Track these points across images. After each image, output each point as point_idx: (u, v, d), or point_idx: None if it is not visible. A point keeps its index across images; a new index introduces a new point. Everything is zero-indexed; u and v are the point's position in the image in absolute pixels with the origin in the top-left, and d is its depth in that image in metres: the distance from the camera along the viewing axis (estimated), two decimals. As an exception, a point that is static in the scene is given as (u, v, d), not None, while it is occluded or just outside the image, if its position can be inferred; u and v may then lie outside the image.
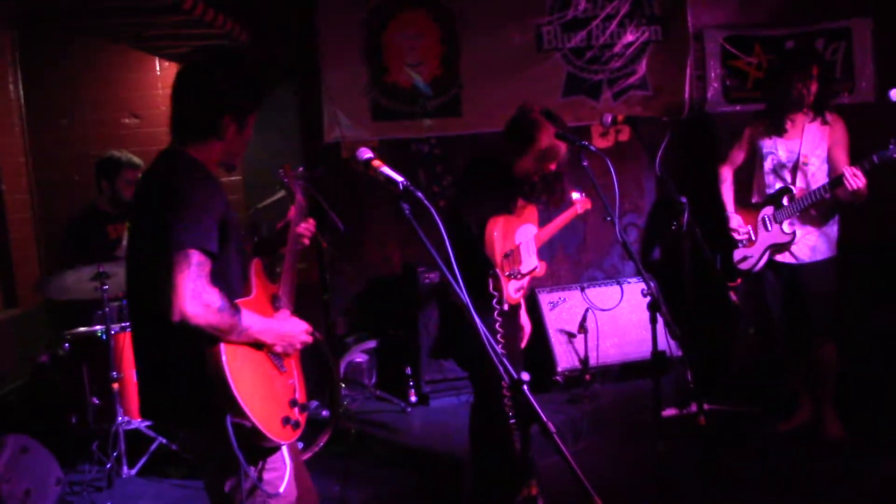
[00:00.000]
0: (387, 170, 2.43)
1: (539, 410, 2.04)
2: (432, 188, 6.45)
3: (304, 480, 2.92)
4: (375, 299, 6.61)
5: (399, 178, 2.39)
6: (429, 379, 6.05)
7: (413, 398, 6.06)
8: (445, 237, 2.36)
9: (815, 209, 4.58)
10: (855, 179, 4.25)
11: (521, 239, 3.97)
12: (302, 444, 4.86)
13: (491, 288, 3.76)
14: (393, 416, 5.89)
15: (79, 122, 6.67)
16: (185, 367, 2.41)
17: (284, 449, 2.57)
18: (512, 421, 3.47)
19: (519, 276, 3.89)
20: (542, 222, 4.24)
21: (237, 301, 2.47)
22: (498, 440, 3.79)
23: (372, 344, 6.32)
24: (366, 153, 2.52)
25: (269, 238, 3.11)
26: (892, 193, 4.92)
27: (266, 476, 2.55)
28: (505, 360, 2.13)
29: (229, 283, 2.54)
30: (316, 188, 4.56)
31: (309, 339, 2.70)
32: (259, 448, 2.50)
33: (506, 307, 3.82)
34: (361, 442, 5.29)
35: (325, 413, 5.50)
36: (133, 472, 4.79)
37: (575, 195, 4.39)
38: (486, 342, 2.13)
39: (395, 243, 6.60)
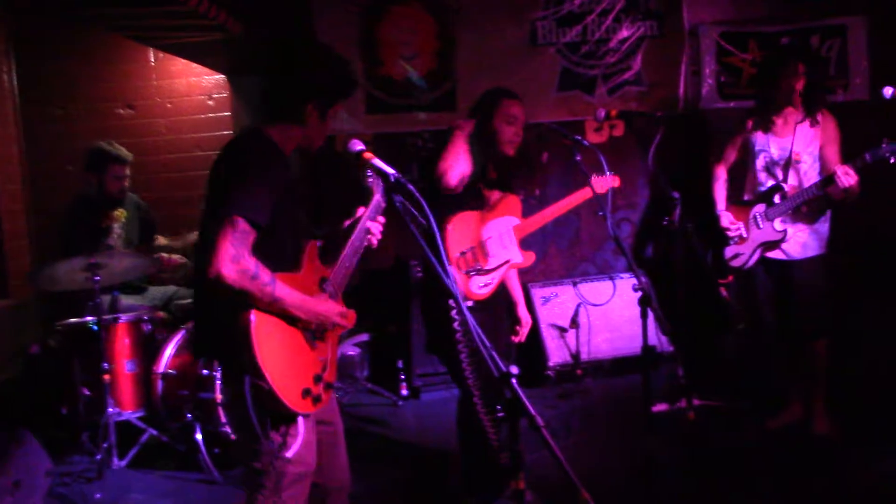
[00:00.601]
0: (378, 162, 2.44)
1: (528, 404, 2.05)
2: (425, 182, 6.43)
3: (341, 461, 3.10)
4: (368, 293, 6.60)
5: (390, 171, 2.40)
6: (420, 372, 6.05)
7: (404, 392, 6.07)
8: (436, 230, 2.37)
9: (807, 207, 4.59)
10: (847, 178, 4.25)
11: (490, 233, 3.94)
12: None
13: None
14: (384, 410, 5.89)
15: (73, 113, 6.67)
16: (223, 323, 2.56)
17: (301, 419, 2.66)
18: (500, 415, 3.47)
19: (483, 273, 3.86)
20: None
21: (281, 274, 2.60)
22: (480, 435, 3.80)
23: (364, 337, 6.32)
24: (357, 145, 2.52)
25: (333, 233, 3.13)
26: (882, 192, 4.93)
27: (289, 441, 2.65)
28: (493, 353, 2.13)
29: (277, 256, 2.66)
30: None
31: (342, 322, 2.80)
32: (277, 413, 2.59)
33: (470, 303, 3.81)
34: (353, 435, 5.28)
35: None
36: (123, 463, 4.78)
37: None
38: (476, 336, 2.13)
39: (390, 237, 6.57)
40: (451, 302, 3.72)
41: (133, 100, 6.82)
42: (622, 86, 6.58)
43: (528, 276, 6.56)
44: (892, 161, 4.18)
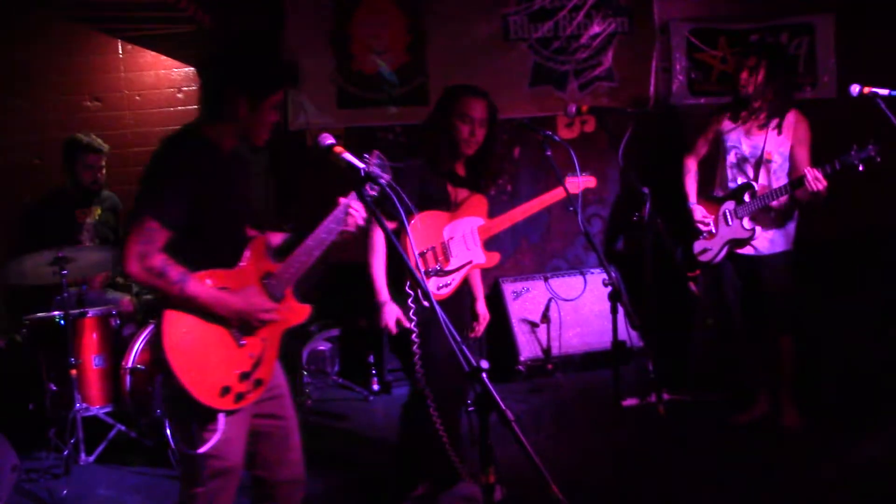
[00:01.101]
0: (348, 156, 2.43)
1: (498, 399, 2.05)
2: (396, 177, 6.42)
3: (290, 455, 3.00)
4: (339, 287, 6.58)
5: (360, 165, 2.39)
6: (391, 368, 6.04)
7: (375, 387, 6.06)
8: (406, 224, 2.36)
9: (775, 206, 4.63)
10: (816, 182, 4.29)
11: (453, 234, 3.90)
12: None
13: (407, 287, 3.73)
14: (355, 405, 5.88)
15: (39, 105, 6.58)
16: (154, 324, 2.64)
17: (221, 416, 2.65)
18: (471, 409, 3.48)
19: (442, 274, 3.82)
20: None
21: (209, 271, 2.64)
22: (425, 436, 3.79)
23: (335, 332, 6.30)
24: (328, 139, 2.51)
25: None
26: (847, 193, 5.00)
27: (204, 435, 2.66)
28: (464, 348, 2.13)
29: (206, 253, 2.68)
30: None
31: (268, 317, 2.74)
32: (195, 409, 2.60)
33: (426, 304, 3.78)
34: (323, 430, 5.27)
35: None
36: (91, 459, 4.73)
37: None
38: (447, 331, 2.13)
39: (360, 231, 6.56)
40: (409, 301, 3.70)
41: (100, 92, 6.74)
42: (593, 81, 6.60)
43: (499, 272, 6.57)
44: (860, 168, 4.23)
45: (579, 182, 3.92)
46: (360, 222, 2.93)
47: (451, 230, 3.91)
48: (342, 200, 2.89)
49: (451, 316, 3.82)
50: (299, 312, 2.97)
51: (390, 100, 6.44)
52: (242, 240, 2.82)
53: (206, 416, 2.65)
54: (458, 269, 3.91)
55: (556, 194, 4.00)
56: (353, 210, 2.88)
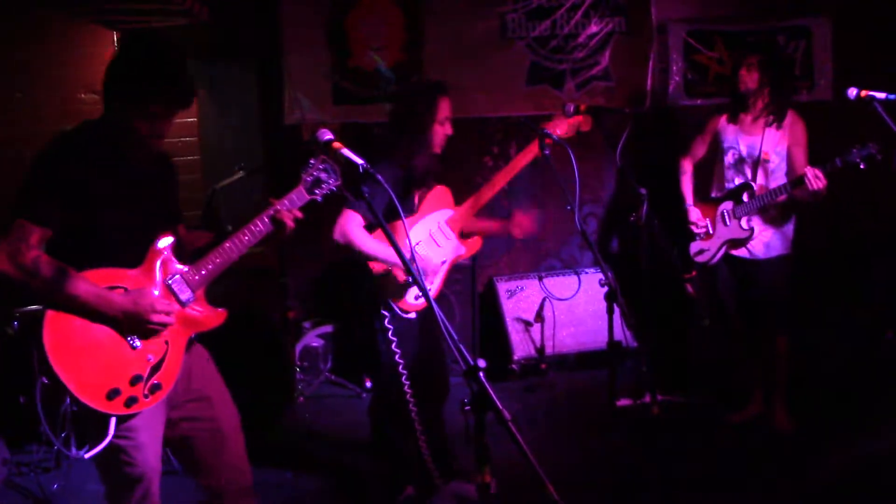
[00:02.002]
0: (347, 152, 2.41)
1: (495, 398, 2.04)
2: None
3: (229, 456, 2.94)
4: (332, 284, 6.57)
5: (359, 161, 2.37)
6: (384, 365, 6.02)
7: (368, 384, 6.04)
8: (404, 220, 2.35)
9: (774, 207, 4.63)
10: (816, 181, 4.29)
11: (419, 237, 3.82)
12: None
13: (388, 296, 3.69)
14: (348, 402, 5.87)
15: (33, 99, 6.54)
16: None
17: (112, 420, 2.59)
18: (467, 408, 3.47)
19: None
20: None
21: (108, 269, 2.60)
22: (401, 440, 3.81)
23: (328, 328, 6.27)
24: (326, 135, 2.49)
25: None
26: (846, 195, 5.01)
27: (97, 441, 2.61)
28: (462, 347, 2.12)
29: (104, 250, 2.62)
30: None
31: (159, 319, 2.64)
32: (86, 412, 2.54)
33: (411, 316, 3.75)
34: (315, 427, 5.26)
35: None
36: (82, 453, 4.68)
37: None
38: (444, 328, 2.12)
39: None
40: (386, 322, 3.69)
41: (95, 85, 6.66)
42: (590, 81, 6.58)
43: (493, 270, 6.57)
44: (862, 167, 4.22)
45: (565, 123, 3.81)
46: (291, 224, 2.89)
47: (416, 234, 3.82)
48: (274, 203, 2.88)
49: (423, 331, 3.83)
50: (212, 317, 2.86)
51: (387, 97, 6.42)
52: (148, 239, 2.73)
53: (97, 420, 2.59)
54: (436, 269, 3.84)
55: (527, 154, 3.89)
56: (281, 216, 2.85)
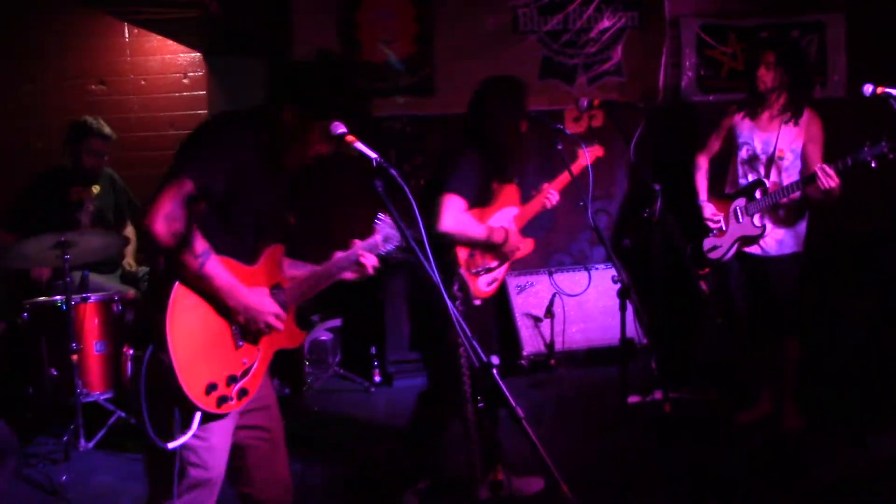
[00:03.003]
0: (360, 145, 2.39)
1: (508, 395, 2.02)
2: (403, 167, 6.40)
3: (278, 470, 2.89)
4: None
5: (373, 155, 2.35)
6: (393, 359, 6.02)
7: (377, 378, 6.03)
8: (418, 216, 2.33)
9: (786, 205, 4.60)
10: (827, 179, 4.24)
11: (509, 228, 3.94)
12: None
13: (456, 289, 3.71)
14: (356, 396, 5.86)
15: (43, 89, 6.54)
16: (149, 292, 2.53)
17: (198, 415, 2.47)
18: (480, 405, 3.46)
19: (490, 271, 3.85)
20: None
21: (229, 259, 2.52)
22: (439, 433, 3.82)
23: (337, 322, 6.27)
24: (339, 128, 2.47)
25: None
26: (859, 193, 4.96)
27: (180, 438, 2.48)
28: (475, 344, 2.10)
29: (230, 243, 2.55)
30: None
31: (275, 322, 2.62)
32: (176, 397, 2.43)
33: (476, 302, 3.81)
34: (324, 421, 5.25)
35: (287, 391, 5.46)
36: (91, 445, 4.71)
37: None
38: (458, 326, 2.10)
39: (363, 221, 6.53)
40: (458, 304, 3.70)
41: (105, 76, 6.70)
42: (602, 76, 6.57)
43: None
44: (873, 165, 4.18)
45: (587, 154, 3.93)
46: (370, 272, 2.95)
47: (492, 224, 3.92)
48: (357, 245, 2.97)
49: (487, 311, 3.88)
50: (295, 336, 2.85)
51: (398, 90, 6.41)
52: (264, 242, 2.70)
53: (184, 410, 2.47)
54: (501, 265, 3.95)
55: (580, 164, 4.03)
56: (364, 260, 2.91)
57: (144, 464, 2.62)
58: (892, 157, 4.14)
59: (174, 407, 2.46)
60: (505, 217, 4.01)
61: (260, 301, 2.58)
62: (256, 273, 2.65)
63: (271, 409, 2.88)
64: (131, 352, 2.42)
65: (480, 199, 3.82)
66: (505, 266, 3.99)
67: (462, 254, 3.78)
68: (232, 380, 2.56)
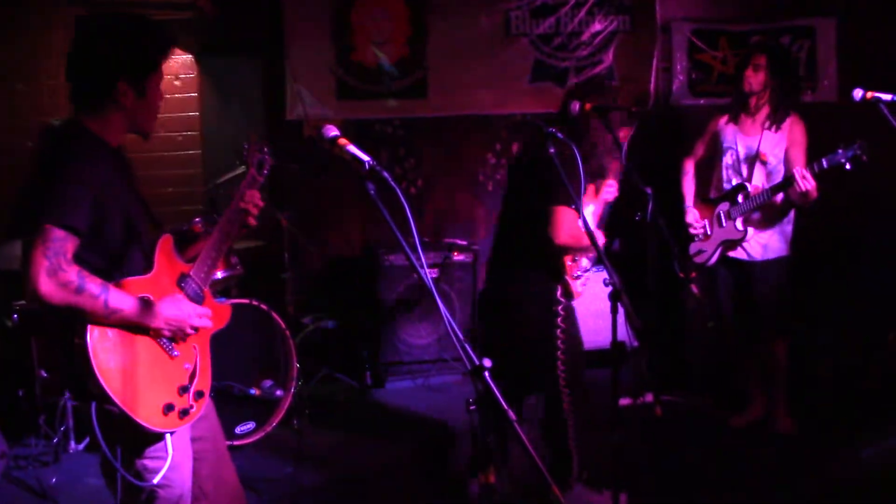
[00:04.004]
0: (353, 148, 2.38)
1: (500, 398, 2.02)
2: (394, 170, 6.40)
3: (226, 478, 2.83)
4: (334, 280, 6.56)
5: (365, 158, 2.34)
6: (385, 362, 6.01)
7: (369, 380, 6.02)
8: (411, 219, 2.32)
9: (771, 208, 4.61)
10: (804, 181, 4.27)
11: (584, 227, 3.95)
12: (254, 424, 4.81)
13: (559, 294, 3.75)
14: (348, 398, 5.85)
15: (36, 89, 6.51)
16: (64, 348, 2.35)
17: (168, 437, 2.43)
18: (472, 407, 3.45)
19: (583, 273, 3.90)
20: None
21: (128, 279, 2.40)
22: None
23: (329, 324, 6.25)
24: (332, 131, 2.46)
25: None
26: (845, 193, 4.99)
27: (149, 465, 2.45)
28: (467, 346, 2.10)
29: (115, 259, 2.44)
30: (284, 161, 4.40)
31: (202, 323, 2.56)
32: (139, 435, 2.39)
33: (573, 304, 3.89)
34: (315, 423, 5.24)
35: (278, 392, 5.44)
36: (80, 447, 4.70)
37: None
38: (449, 326, 2.10)
39: (357, 225, 6.55)
40: (559, 308, 3.73)
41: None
42: (594, 79, 6.57)
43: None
44: (848, 167, 4.20)
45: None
46: (259, 206, 2.79)
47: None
48: (242, 186, 2.80)
49: (575, 321, 3.91)
50: (222, 314, 2.76)
51: (390, 93, 6.41)
52: (148, 242, 2.56)
53: (152, 441, 2.43)
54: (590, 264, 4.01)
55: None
56: (253, 197, 2.77)
57: (112, 493, 2.54)
58: (865, 159, 4.16)
59: (141, 442, 2.42)
60: (590, 215, 4.03)
61: (177, 308, 2.48)
62: (158, 277, 2.53)
63: (210, 417, 2.79)
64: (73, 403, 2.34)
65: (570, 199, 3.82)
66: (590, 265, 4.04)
67: (568, 261, 3.82)
68: (184, 389, 2.50)
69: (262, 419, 4.87)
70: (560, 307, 3.78)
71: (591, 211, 4.06)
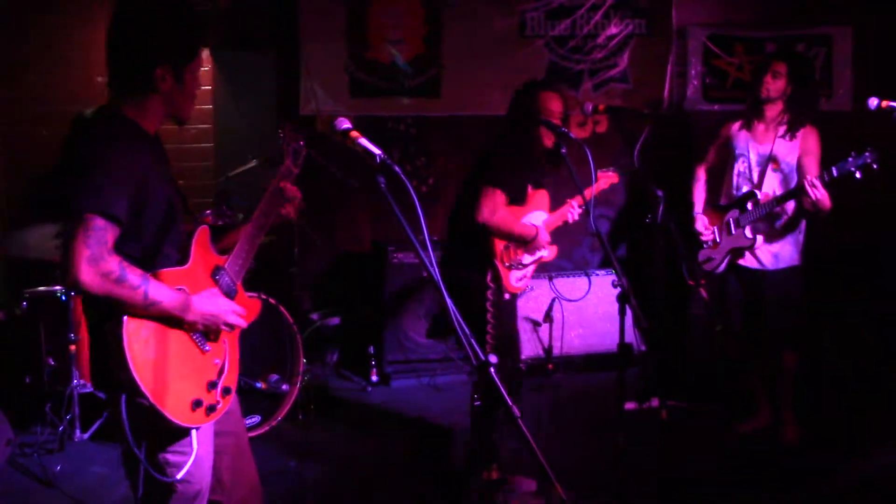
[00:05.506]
0: (365, 142, 2.38)
1: (505, 395, 2.02)
2: (405, 167, 6.41)
3: (245, 472, 2.83)
4: (342, 276, 6.56)
5: (377, 151, 2.33)
6: (391, 359, 6.01)
7: (374, 378, 6.02)
8: (421, 216, 2.32)
9: (781, 216, 4.59)
10: (814, 190, 4.24)
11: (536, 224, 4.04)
12: (259, 418, 4.82)
13: (489, 279, 3.80)
14: (353, 395, 5.85)
15: (49, 79, 6.53)
16: (98, 338, 2.35)
17: (193, 433, 2.42)
18: (477, 404, 3.48)
19: (521, 267, 3.90)
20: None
21: (164, 270, 2.38)
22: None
23: (336, 321, 6.26)
24: (344, 123, 2.46)
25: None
26: (855, 204, 4.96)
27: (171, 459, 2.43)
28: (473, 342, 2.10)
29: (152, 250, 2.42)
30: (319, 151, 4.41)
31: (237, 321, 2.55)
32: (165, 430, 2.37)
33: (506, 296, 3.93)
34: (320, 419, 5.24)
35: (284, 387, 5.44)
36: (86, 436, 4.71)
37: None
38: (455, 322, 2.10)
39: (366, 221, 6.56)
40: (488, 293, 3.78)
41: (113, 68, 6.70)
42: (608, 82, 6.57)
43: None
44: (858, 176, 4.17)
45: (606, 176, 4.26)
46: (296, 198, 2.79)
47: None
48: (277, 177, 2.78)
49: (512, 313, 3.94)
50: (253, 308, 2.74)
51: (403, 90, 6.41)
52: (185, 233, 2.54)
53: (178, 437, 2.41)
54: (532, 263, 4.09)
55: (608, 178, 4.33)
56: (287, 188, 2.76)
57: (131, 485, 2.51)
58: (876, 167, 4.14)
59: (167, 436, 2.41)
60: (535, 220, 4.10)
61: (213, 304, 2.47)
62: (193, 270, 2.51)
63: (234, 412, 2.79)
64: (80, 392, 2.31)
65: (516, 198, 3.96)
66: (533, 266, 4.11)
67: (499, 246, 3.91)
68: (212, 385, 2.49)
69: (267, 413, 4.89)
70: (489, 292, 3.80)
71: (540, 219, 4.13)
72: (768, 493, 4.15)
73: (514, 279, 3.99)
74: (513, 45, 6.44)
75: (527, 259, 4.03)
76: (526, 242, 3.96)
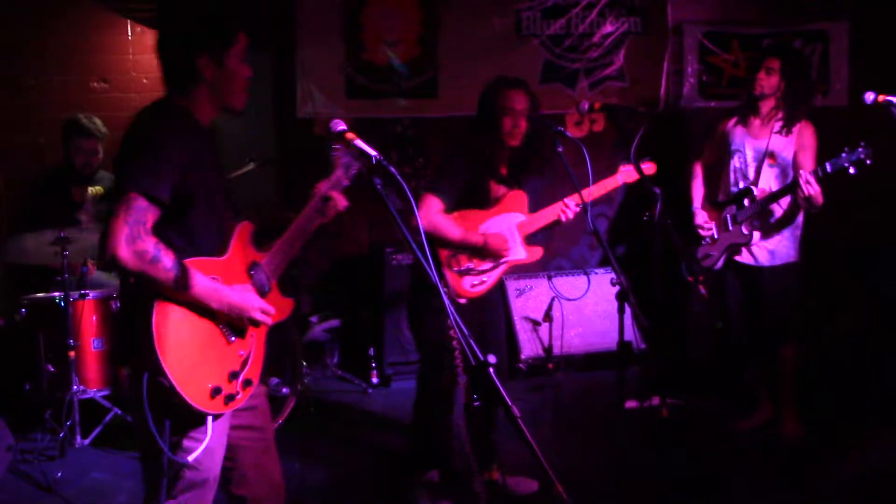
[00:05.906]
0: (360, 143, 2.38)
1: (505, 395, 2.02)
2: (403, 169, 6.40)
3: (269, 469, 2.85)
4: (341, 279, 6.56)
5: (372, 152, 2.34)
6: (391, 361, 6.00)
7: (375, 380, 6.02)
8: (417, 215, 2.32)
9: (776, 213, 4.59)
10: (807, 186, 4.24)
11: (489, 232, 3.94)
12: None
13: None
14: (354, 397, 5.85)
15: (46, 85, 6.53)
16: (129, 312, 2.43)
17: (209, 420, 2.46)
18: (477, 404, 3.45)
19: (476, 273, 3.86)
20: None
21: (199, 259, 2.44)
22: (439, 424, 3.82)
23: (335, 323, 6.26)
24: (340, 125, 2.47)
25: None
26: (859, 195, 4.95)
27: (185, 443, 2.46)
28: (472, 342, 2.09)
29: (195, 238, 2.49)
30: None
31: (262, 318, 2.57)
32: (182, 413, 2.40)
33: (461, 301, 3.84)
34: (321, 421, 5.24)
35: (284, 390, 5.44)
36: (86, 442, 4.71)
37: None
38: (454, 324, 2.10)
39: (364, 223, 6.55)
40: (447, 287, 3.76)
41: (108, 73, 6.68)
42: (604, 81, 6.57)
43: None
44: (852, 171, 4.17)
45: (632, 172, 4.06)
46: (341, 208, 2.87)
47: (489, 228, 3.95)
48: (321, 188, 2.84)
49: (482, 312, 3.89)
50: (284, 307, 2.77)
51: (400, 92, 6.41)
52: (227, 225, 2.63)
53: (194, 422, 2.45)
54: (493, 268, 3.95)
55: (610, 183, 4.14)
56: (335, 197, 2.83)
57: (143, 468, 2.56)
58: (869, 163, 4.14)
59: (183, 420, 2.44)
60: (505, 222, 4.01)
61: (242, 298, 2.52)
62: (230, 262, 2.58)
63: (262, 408, 2.83)
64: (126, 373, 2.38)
65: (475, 202, 3.88)
66: (498, 270, 3.98)
67: (443, 253, 3.84)
68: (234, 375, 2.53)
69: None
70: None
71: (516, 221, 4.05)
72: (771, 489, 4.15)
73: (468, 284, 3.88)
74: (509, 45, 6.44)
75: (485, 266, 3.92)
76: (476, 250, 3.84)
